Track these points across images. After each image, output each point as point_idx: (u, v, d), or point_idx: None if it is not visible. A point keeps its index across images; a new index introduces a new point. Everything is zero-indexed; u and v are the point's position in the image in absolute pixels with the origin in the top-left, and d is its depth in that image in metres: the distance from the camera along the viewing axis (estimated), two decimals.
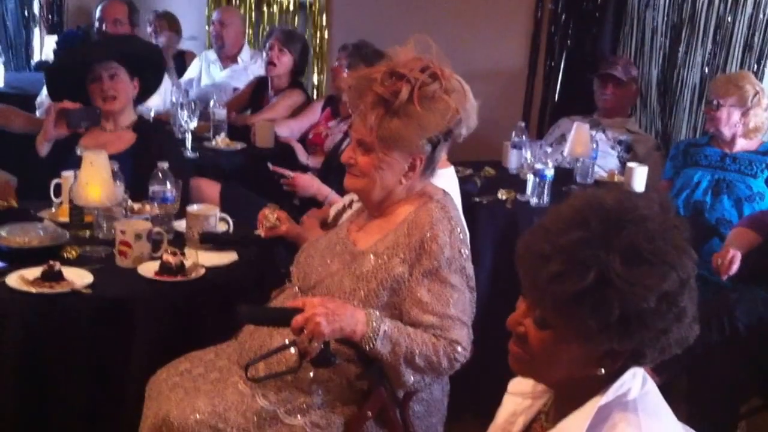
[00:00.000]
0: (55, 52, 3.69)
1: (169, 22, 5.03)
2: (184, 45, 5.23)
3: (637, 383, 1.17)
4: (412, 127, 1.79)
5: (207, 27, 5.45)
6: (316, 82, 5.18)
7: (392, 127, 1.80)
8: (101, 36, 4.24)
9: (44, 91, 4.26)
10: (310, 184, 2.80)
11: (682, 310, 1.09)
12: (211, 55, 4.89)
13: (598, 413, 1.14)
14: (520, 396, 1.34)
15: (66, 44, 3.34)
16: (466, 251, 1.87)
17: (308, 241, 2.11)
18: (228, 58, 4.80)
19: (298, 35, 4.48)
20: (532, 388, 1.32)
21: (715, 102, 3.22)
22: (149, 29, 5.01)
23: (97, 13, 4.62)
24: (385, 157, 1.84)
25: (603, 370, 1.13)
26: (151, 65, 3.11)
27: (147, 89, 3.17)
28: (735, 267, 2.64)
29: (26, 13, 6.26)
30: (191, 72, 4.91)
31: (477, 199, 3.01)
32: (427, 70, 1.79)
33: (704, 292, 2.93)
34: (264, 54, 4.34)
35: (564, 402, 1.21)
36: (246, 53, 4.84)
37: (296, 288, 1.99)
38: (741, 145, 3.27)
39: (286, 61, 4.23)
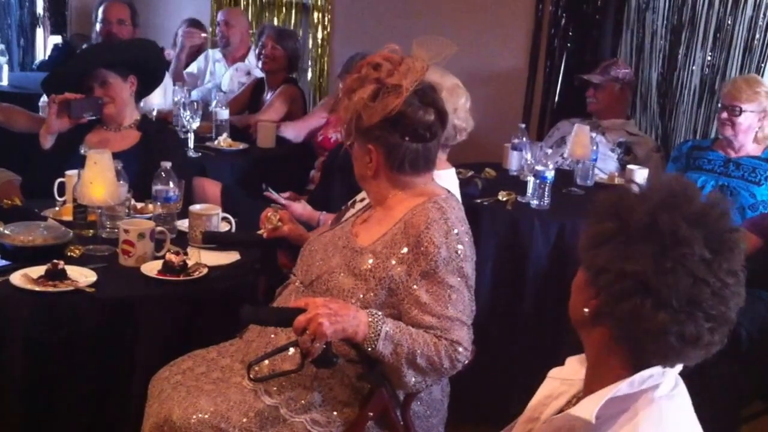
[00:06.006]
0: (48, 67, 3.72)
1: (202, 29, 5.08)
2: None
3: (668, 381, 1.18)
4: (341, 112, 1.89)
5: (210, 28, 5.46)
6: (317, 83, 5.19)
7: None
8: (106, 38, 4.24)
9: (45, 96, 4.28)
10: (301, 212, 2.85)
11: (641, 274, 1.12)
12: (217, 54, 4.90)
13: (614, 403, 1.15)
14: (559, 381, 1.36)
15: (55, 61, 3.37)
16: (466, 250, 1.87)
17: (314, 235, 2.13)
18: (234, 60, 4.81)
19: (290, 32, 4.54)
20: (572, 374, 1.34)
21: (737, 108, 3.18)
22: (180, 36, 4.98)
23: (99, 14, 4.58)
24: (354, 144, 1.93)
25: (586, 310, 1.20)
26: (144, 61, 3.10)
27: (148, 82, 3.16)
28: None
29: (30, 14, 6.29)
30: (192, 69, 4.92)
31: (478, 201, 3.03)
32: (374, 62, 1.85)
33: None
34: (256, 51, 4.38)
35: (590, 389, 1.23)
36: (253, 56, 4.85)
37: (298, 282, 2.01)
38: (746, 150, 3.26)
39: (280, 57, 4.28)
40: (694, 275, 1.11)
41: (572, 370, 1.35)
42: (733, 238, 1.15)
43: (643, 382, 1.17)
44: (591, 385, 1.23)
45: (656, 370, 1.17)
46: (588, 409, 1.16)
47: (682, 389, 1.22)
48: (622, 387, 1.16)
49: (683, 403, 1.21)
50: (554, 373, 1.39)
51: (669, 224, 1.12)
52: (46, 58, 4.91)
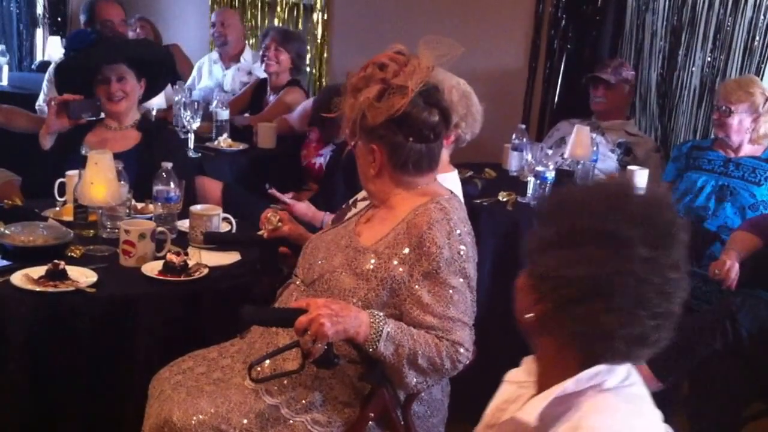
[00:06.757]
0: (66, 50, 3.67)
1: (152, 26, 5.07)
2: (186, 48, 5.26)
3: (615, 377, 1.18)
4: (347, 110, 1.88)
5: (210, 29, 5.46)
6: (316, 85, 5.19)
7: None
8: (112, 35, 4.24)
9: (42, 96, 4.28)
10: (305, 212, 2.85)
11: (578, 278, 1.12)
12: (213, 55, 4.91)
13: (561, 401, 1.15)
14: (515, 385, 1.36)
15: (77, 43, 3.32)
16: (468, 251, 1.87)
17: (317, 233, 2.13)
18: (230, 59, 4.81)
19: (294, 34, 4.51)
20: (527, 377, 1.34)
21: (725, 108, 3.18)
22: (131, 33, 5.00)
23: (98, 15, 4.54)
24: (358, 143, 1.92)
25: (533, 314, 1.19)
26: (160, 69, 3.14)
27: (152, 90, 3.19)
28: (733, 275, 2.63)
29: (30, 14, 6.30)
30: (192, 77, 4.93)
31: (478, 201, 3.03)
32: (380, 61, 1.84)
33: (707, 297, 2.93)
34: (260, 53, 4.37)
35: (540, 391, 1.23)
36: (248, 54, 4.86)
37: (299, 281, 2.01)
38: (746, 150, 3.26)
39: (284, 60, 4.26)
40: (636, 276, 1.11)
41: (527, 371, 1.34)
42: (672, 231, 1.13)
43: (590, 379, 1.17)
44: (543, 389, 1.22)
45: (603, 367, 1.17)
46: (531, 411, 1.17)
47: (635, 379, 1.21)
48: (568, 385, 1.16)
49: (635, 393, 1.20)
50: (510, 376, 1.38)
51: (611, 227, 1.11)
52: (64, 42, 4.87)
